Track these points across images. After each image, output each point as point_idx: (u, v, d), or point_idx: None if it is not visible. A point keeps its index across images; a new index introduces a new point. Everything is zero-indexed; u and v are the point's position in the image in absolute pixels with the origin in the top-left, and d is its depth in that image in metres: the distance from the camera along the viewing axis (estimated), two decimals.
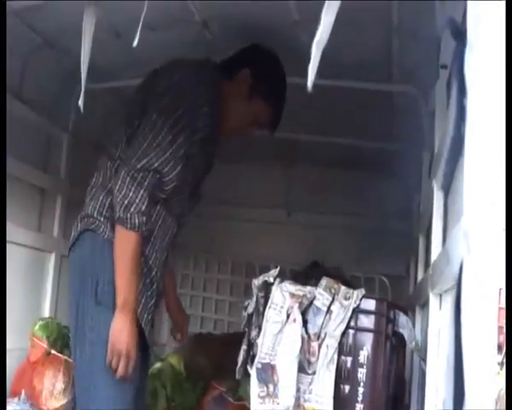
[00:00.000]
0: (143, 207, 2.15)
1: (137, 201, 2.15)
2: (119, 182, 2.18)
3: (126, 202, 2.15)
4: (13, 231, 3.05)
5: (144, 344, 2.35)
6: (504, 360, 1.30)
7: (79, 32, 1.61)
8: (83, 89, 1.46)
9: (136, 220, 2.15)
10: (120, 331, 2.15)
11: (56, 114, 3.34)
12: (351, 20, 2.02)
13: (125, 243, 2.18)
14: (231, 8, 2.51)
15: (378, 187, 4.31)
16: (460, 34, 1.30)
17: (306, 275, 2.86)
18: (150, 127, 2.24)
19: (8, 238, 3.01)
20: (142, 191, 2.15)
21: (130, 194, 2.15)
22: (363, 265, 4.26)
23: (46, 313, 3.38)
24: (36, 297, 3.37)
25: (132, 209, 2.14)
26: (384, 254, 4.25)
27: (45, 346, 3.09)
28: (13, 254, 3.12)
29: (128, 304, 2.17)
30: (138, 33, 1.43)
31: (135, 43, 1.42)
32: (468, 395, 1.11)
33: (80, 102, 1.46)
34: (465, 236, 1.10)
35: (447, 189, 1.99)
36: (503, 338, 1.26)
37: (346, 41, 2.50)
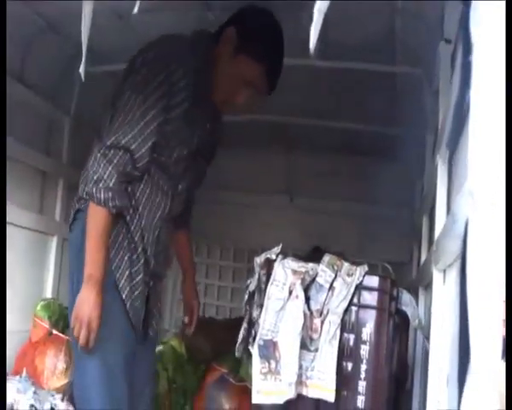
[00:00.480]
0: (111, 184, 2.15)
1: (105, 177, 2.15)
2: (92, 159, 2.20)
3: (95, 177, 2.15)
4: (15, 213, 3.06)
5: (142, 333, 2.40)
6: None
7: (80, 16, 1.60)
8: (84, 58, 1.45)
9: (103, 196, 2.15)
10: (83, 302, 2.15)
11: (58, 98, 3.34)
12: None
13: (93, 217, 2.19)
14: None
15: (381, 173, 4.27)
16: None
17: (309, 260, 2.84)
18: (123, 105, 2.24)
19: (10, 220, 3.02)
20: (110, 168, 2.15)
21: (100, 170, 2.15)
22: (366, 251, 4.22)
23: (48, 294, 3.40)
24: (38, 279, 3.38)
25: (100, 185, 2.15)
26: (387, 240, 4.25)
27: (47, 326, 3.11)
28: (15, 236, 3.13)
29: (93, 277, 2.16)
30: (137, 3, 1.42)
31: (135, 10, 1.40)
32: (473, 368, 1.10)
33: (81, 70, 1.45)
34: (470, 195, 1.09)
35: (451, 157, 1.98)
36: None
37: (348, 21, 2.51)
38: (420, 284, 2.85)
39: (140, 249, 2.36)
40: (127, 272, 2.31)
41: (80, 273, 2.22)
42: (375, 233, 4.32)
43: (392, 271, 4.06)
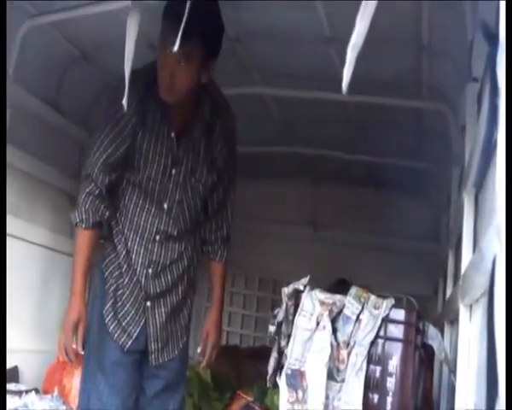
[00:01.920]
0: (83, 208, 2.40)
1: (80, 204, 2.42)
2: None
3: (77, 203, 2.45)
4: (43, 235, 3.12)
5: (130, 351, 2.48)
6: None
7: (115, 46, 1.67)
8: (126, 88, 1.51)
9: (77, 217, 2.40)
10: (67, 316, 2.41)
11: (90, 123, 3.41)
12: (381, 38, 2.06)
13: (76, 239, 2.47)
14: (262, 25, 2.56)
15: (405, 206, 4.31)
16: (492, 36, 1.33)
17: (334, 292, 2.86)
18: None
19: (38, 242, 3.10)
20: (83, 196, 2.42)
21: (78, 201, 2.44)
22: (391, 285, 4.21)
23: None
24: (66, 300, 3.42)
25: (75, 211, 2.42)
26: (412, 274, 4.24)
27: (74, 347, 3.14)
28: (44, 258, 3.19)
29: (74, 293, 2.40)
30: (179, 40, 1.49)
31: (175, 48, 1.47)
32: (501, 403, 1.12)
33: (124, 102, 1.51)
34: (498, 232, 1.11)
35: (478, 193, 2.00)
36: None
37: (376, 58, 2.55)
38: (446, 318, 2.85)
39: (127, 272, 2.49)
40: (112, 295, 2.48)
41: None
42: (400, 266, 4.31)
43: (417, 304, 4.09)
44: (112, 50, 1.98)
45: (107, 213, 2.45)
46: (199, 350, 2.69)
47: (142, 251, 2.49)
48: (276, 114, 3.56)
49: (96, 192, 2.41)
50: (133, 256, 2.49)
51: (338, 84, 1.37)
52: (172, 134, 2.44)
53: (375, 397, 2.25)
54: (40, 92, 2.97)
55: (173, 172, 2.47)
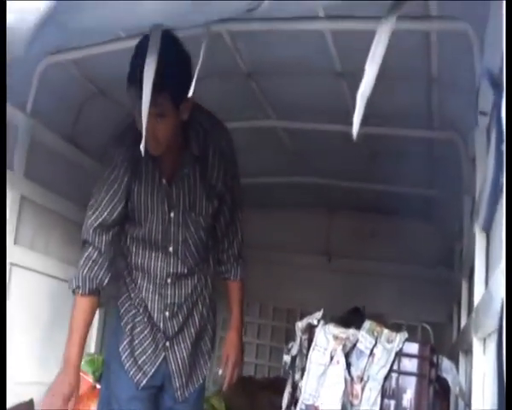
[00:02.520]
0: (80, 275, 2.40)
1: (78, 268, 2.43)
2: None
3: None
4: (61, 269, 3.15)
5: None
6: None
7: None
8: (144, 133, 1.54)
9: (73, 284, 2.40)
10: (58, 383, 2.35)
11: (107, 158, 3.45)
12: (391, 72, 2.09)
13: (74, 303, 2.45)
14: (274, 60, 2.60)
15: (420, 234, 4.31)
16: (497, 84, 1.35)
17: (347, 321, 2.86)
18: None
19: (55, 274, 3.12)
20: (81, 262, 2.42)
21: (78, 265, 2.45)
22: (405, 312, 4.20)
23: (92, 349, 3.47)
24: None
25: (75, 275, 2.42)
26: (426, 301, 4.23)
27: (91, 381, 3.19)
28: (61, 292, 3.21)
29: (69, 360, 2.39)
30: (193, 85, 1.52)
31: (190, 93, 1.51)
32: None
33: (142, 147, 1.55)
34: (503, 276, 1.13)
35: (488, 231, 2.01)
36: None
37: (386, 91, 2.58)
38: (460, 348, 2.84)
39: (143, 314, 2.53)
40: (128, 333, 2.51)
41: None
42: (414, 293, 4.30)
43: (432, 331, 4.07)
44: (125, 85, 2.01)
45: (107, 279, 2.45)
46: (220, 373, 2.67)
47: (156, 298, 2.52)
48: (289, 146, 3.60)
49: (94, 256, 2.41)
50: (149, 304, 2.52)
51: (349, 116, 1.41)
52: (164, 180, 2.46)
53: None
54: (58, 127, 3.02)
55: (172, 215, 2.49)
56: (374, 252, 4.45)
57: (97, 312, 3.45)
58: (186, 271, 2.54)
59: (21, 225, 2.86)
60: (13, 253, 2.79)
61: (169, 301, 2.53)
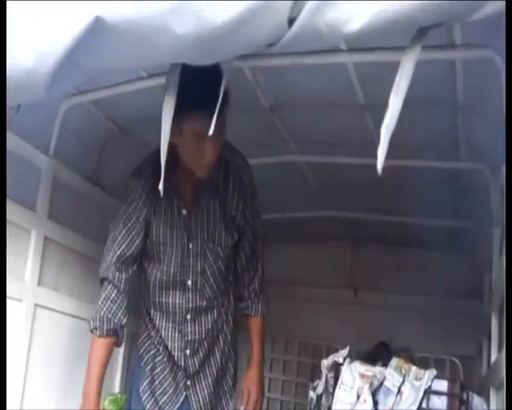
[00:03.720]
0: (98, 316, 2.43)
1: (97, 308, 2.45)
2: None
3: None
4: (85, 309, 3.14)
5: None
6: None
7: (152, 119, 1.70)
8: (162, 175, 1.54)
9: (92, 324, 2.43)
10: None
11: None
12: (416, 101, 2.07)
13: (91, 343, 2.47)
14: (296, 94, 2.59)
15: (447, 266, 4.25)
16: None
17: (374, 356, 2.82)
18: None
19: (78, 315, 3.12)
20: (100, 301, 2.44)
21: (97, 305, 2.46)
22: (433, 345, 4.15)
23: (116, 388, 3.44)
24: (107, 373, 3.41)
25: (93, 317, 2.44)
26: (454, 334, 4.16)
27: None
28: (87, 332, 3.20)
29: (88, 395, 2.40)
30: (213, 124, 1.51)
31: (210, 132, 1.50)
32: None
33: (160, 187, 1.54)
34: None
35: None
36: None
37: (411, 121, 2.55)
38: (491, 384, 2.77)
39: (164, 353, 2.53)
40: (149, 373, 2.51)
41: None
42: (442, 326, 4.23)
43: (461, 365, 4.00)
44: (149, 123, 2.02)
45: (125, 319, 2.45)
46: (241, 409, 2.62)
47: (176, 336, 2.50)
48: (312, 180, 3.58)
49: (113, 296, 2.42)
50: (169, 343, 2.50)
51: (373, 149, 1.38)
52: (184, 211, 2.46)
53: None
54: (80, 168, 3.04)
55: (190, 246, 2.48)
56: (400, 285, 4.39)
57: (122, 350, 3.48)
58: (205, 304, 2.52)
59: (45, 266, 2.85)
60: (37, 294, 2.79)
61: (189, 339, 2.50)
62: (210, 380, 2.55)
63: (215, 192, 2.48)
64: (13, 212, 2.42)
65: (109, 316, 2.40)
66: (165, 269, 2.47)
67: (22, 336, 2.63)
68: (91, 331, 2.42)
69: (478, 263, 3.76)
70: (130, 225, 2.41)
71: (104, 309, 2.41)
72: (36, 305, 2.78)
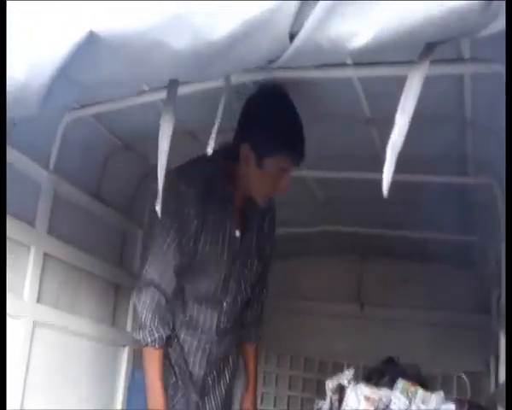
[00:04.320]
0: (153, 326, 2.31)
1: (144, 321, 2.32)
2: (134, 296, 2.42)
3: (138, 324, 2.35)
4: (87, 326, 3.10)
5: None
6: None
7: (155, 134, 1.67)
8: (160, 194, 1.49)
9: (149, 339, 2.31)
10: None
11: (132, 211, 3.42)
12: (423, 116, 2.02)
13: (146, 357, 2.36)
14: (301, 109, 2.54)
15: (455, 280, 4.22)
16: None
17: (381, 372, 2.77)
18: (146, 239, 2.46)
19: (81, 331, 3.07)
20: (145, 311, 2.33)
21: (140, 315, 2.34)
22: (441, 361, 4.13)
23: (119, 405, 3.38)
24: (109, 390, 3.38)
25: (143, 331, 2.32)
26: (462, 349, 4.13)
27: None
28: (87, 348, 3.16)
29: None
30: (213, 138, 1.47)
31: (209, 150, 1.46)
32: None
33: (157, 208, 1.50)
34: None
35: None
36: None
37: (418, 136, 2.51)
38: (499, 402, 2.72)
39: (179, 374, 2.46)
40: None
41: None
42: (450, 342, 4.20)
43: (468, 381, 3.94)
44: (153, 139, 1.98)
45: (172, 324, 2.38)
46: None
47: (200, 354, 2.45)
48: (319, 195, 3.54)
49: (163, 302, 2.31)
50: (190, 360, 2.44)
51: (380, 163, 1.33)
52: (237, 233, 2.43)
53: None
54: (82, 182, 2.99)
55: (234, 268, 2.47)
56: (408, 299, 4.35)
57: (124, 368, 3.44)
58: (230, 326, 2.51)
59: (45, 283, 2.80)
60: (36, 311, 2.75)
61: (212, 358, 2.46)
62: (219, 399, 2.54)
63: (258, 221, 2.54)
64: (11, 227, 2.37)
65: (163, 323, 2.31)
66: (205, 286, 2.42)
67: (20, 356, 2.58)
68: (146, 345, 2.31)
69: (486, 278, 3.72)
70: (182, 231, 2.33)
71: (157, 318, 2.30)
72: (35, 322, 2.73)
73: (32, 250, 2.69)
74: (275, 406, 4.63)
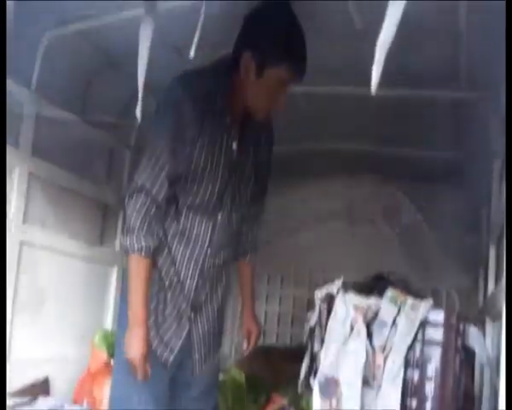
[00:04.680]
0: (141, 233, 2.23)
1: (133, 225, 2.23)
2: (124, 203, 2.30)
3: (126, 228, 2.25)
4: (75, 246, 3.10)
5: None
6: None
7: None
8: (139, 100, 1.45)
9: (136, 246, 2.22)
10: (130, 344, 2.23)
11: (119, 130, 3.38)
12: (416, 27, 1.97)
13: (131, 263, 2.27)
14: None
15: (444, 198, 4.23)
16: None
17: (370, 288, 2.77)
18: (141, 147, 2.37)
19: (69, 251, 3.07)
20: (135, 214, 2.23)
21: (128, 220, 2.24)
22: (430, 277, 4.17)
23: (108, 324, 3.42)
24: (98, 309, 3.40)
25: (130, 236, 2.23)
26: (451, 266, 4.19)
27: (105, 357, 3.13)
28: (76, 268, 3.17)
29: (136, 318, 2.24)
30: (194, 45, 1.43)
31: (191, 54, 1.41)
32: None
33: (138, 114, 1.46)
34: None
35: None
36: None
37: (410, 47, 2.46)
38: (487, 315, 2.76)
39: (170, 286, 2.39)
40: (152, 312, 2.36)
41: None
42: (439, 258, 4.25)
43: (457, 296, 4.00)
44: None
45: (160, 235, 2.32)
46: (244, 345, 2.72)
47: (192, 265, 2.40)
48: (309, 111, 3.48)
49: (153, 210, 2.24)
50: (182, 272, 2.39)
51: (369, 78, 1.30)
52: (234, 145, 2.38)
53: (414, 403, 2.15)
54: (66, 102, 2.94)
55: (229, 181, 2.41)
56: (398, 217, 4.37)
57: (114, 283, 3.46)
58: (225, 241, 2.47)
59: (31, 203, 2.80)
60: (22, 231, 2.74)
61: (204, 270, 2.43)
62: (210, 313, 2.52)
63: (256, 138, 2.49)
64: None
65: (152, 232, 2.25)
66: (199, 196, 2.37)
67: (8, 276, 2.57)
68: (133, 252, 2.23)
69: (476, 195, 3.73)
70: (180, 140, 2.26)
71: (145, 225, 2.23)
72: (22, 242, 2.72)
73: (17, 171, 2.67)
74: (265, 323, 4.72)
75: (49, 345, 3.00)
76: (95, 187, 3.30)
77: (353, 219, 4.53)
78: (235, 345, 4.65)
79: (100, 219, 3.43)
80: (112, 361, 2.92)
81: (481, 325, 2.70)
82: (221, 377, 3.34)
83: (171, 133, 2.25)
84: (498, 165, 2.82)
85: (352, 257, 4.29)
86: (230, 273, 2.62)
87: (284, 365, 3.59)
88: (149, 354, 2.23)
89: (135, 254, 2.23)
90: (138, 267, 2.25)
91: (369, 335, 2.17)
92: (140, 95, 1.47)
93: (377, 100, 3.07)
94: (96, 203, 3.38)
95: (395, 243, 4.41)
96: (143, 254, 2.23)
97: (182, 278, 2.39)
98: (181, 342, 2.41)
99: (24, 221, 2.77)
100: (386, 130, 3.57)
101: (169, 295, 2.39)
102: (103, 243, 3.45)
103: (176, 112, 2.25)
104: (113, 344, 3.06)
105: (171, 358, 2.38)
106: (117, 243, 3.54)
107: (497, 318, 2.43)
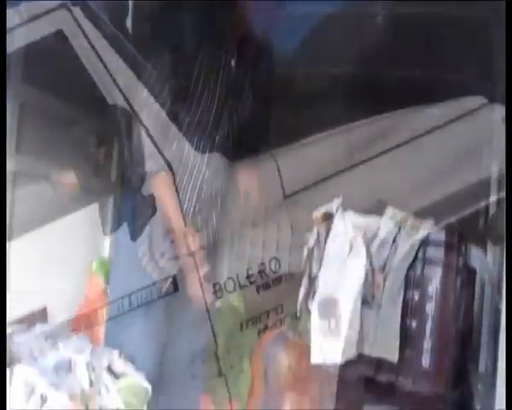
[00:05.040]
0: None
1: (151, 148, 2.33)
2: None
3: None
4: (64, 174, 3.06)
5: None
6: None
7: None
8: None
9: (155, 167, 2.32)
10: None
11: None
12: None
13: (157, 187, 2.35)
14: None
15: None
16: None
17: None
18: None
19: (64, 182, 3.03)
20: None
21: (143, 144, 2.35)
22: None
23: (106, 252, 3.40)
24: (96, 237, 3.39)
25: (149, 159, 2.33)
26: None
27: (102, 284, 3.11)
28: (71, 198, 3.13)
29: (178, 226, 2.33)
30: None
31: None
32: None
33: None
34: None
35: None
36: None
37: None
38: (488, 237, 2.73)
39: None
40: (146, 239, 2.41)
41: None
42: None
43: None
44: None
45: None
46: None
47: (189, 187, 2.40)
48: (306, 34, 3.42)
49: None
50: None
51: None
52: (233, 62, 2.39)
53: (414, 323, 2.16)
54: None
55: (228, 96, 2.41)
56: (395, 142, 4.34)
57: (110, 209, 3.43)
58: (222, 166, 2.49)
59: (24, 134, 2.76)
60: (15, 161, 2.68)
61: (201, 191, 2.42)
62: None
63: (255, 59, 2.51)
64: None
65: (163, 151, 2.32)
66: (197, 117, 2.37)
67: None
68: (157, 173, 2.32)
69: None
70: (180, 56, 2.32)
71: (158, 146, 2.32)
72: (15, 173, 2.69)
73: (8, 102, 2.61)
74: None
75: (45, 274, 2.99)
76: (90, 114, 3.26)
77: (351, 147, 4.49)
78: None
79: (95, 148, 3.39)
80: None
81: (483, 245, 2.69)
82: (219, 303, 3.35)
83: (169, 47, 2.28)
84: (502, 88, 2.76)
85: (353, 187, 4.26)
86: None
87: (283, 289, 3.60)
88: None
89: (159, 173, 2.29)
90: (167, 187, 2.31)
91: (369, 255, 2.16)
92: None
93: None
94: (90, 132, 3.33)
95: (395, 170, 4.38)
96: (165, 172, 2.29)
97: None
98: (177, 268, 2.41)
99: (17, 151, 2.75)
100: (383, 50, 3.51)
101: (161, 220, 2.38)
102: (97, 174, 3.42)
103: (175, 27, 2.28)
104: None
105: (167, 284, 2.38)
106: (112, 173, 3.50)
107: (497, 240, 2.41)
